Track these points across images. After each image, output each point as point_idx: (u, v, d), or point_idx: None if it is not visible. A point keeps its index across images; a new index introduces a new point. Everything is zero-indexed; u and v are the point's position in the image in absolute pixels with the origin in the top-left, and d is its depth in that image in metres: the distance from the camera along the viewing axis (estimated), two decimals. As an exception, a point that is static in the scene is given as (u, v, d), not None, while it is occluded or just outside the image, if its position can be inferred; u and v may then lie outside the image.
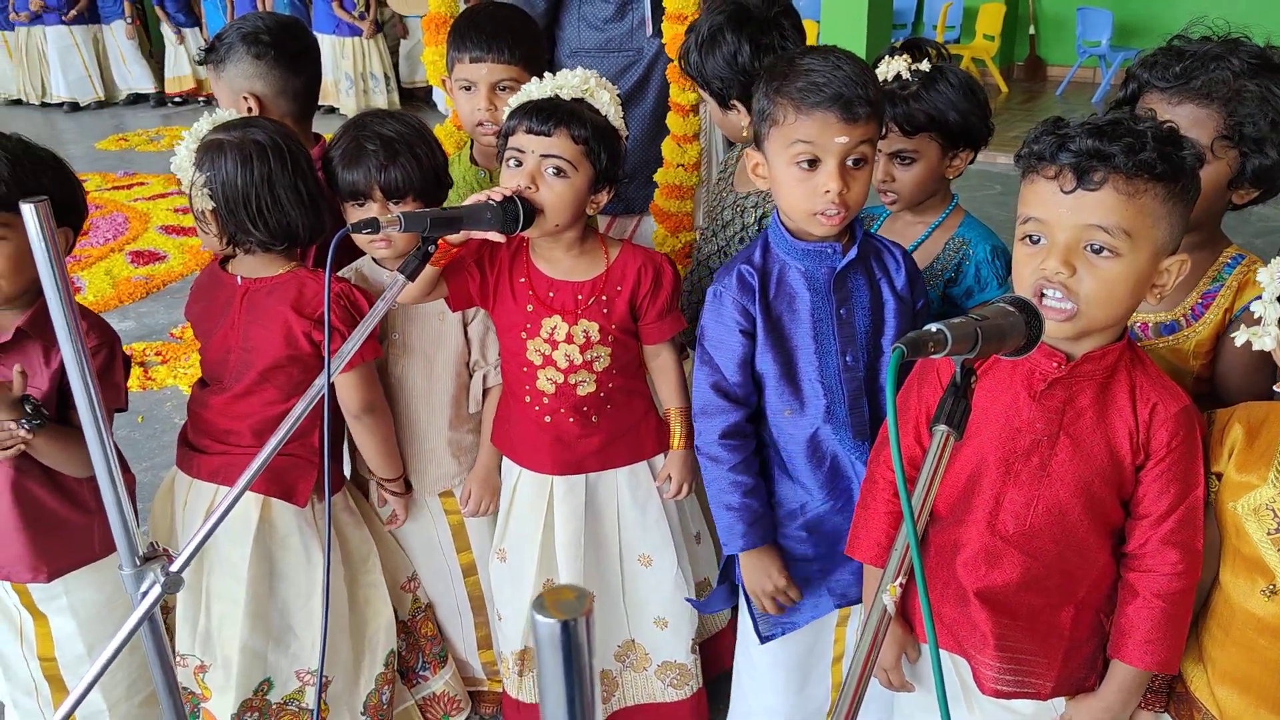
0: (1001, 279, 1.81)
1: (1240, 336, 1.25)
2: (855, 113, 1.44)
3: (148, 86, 9.88)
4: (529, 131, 1.65)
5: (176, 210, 6.10)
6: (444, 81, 2.21)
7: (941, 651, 1.48)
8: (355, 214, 1.82)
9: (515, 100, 1.71)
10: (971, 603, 1.41)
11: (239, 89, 2.14)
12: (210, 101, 9.77)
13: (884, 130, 1.77)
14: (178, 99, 9.81)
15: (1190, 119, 1.47)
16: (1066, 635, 1.39)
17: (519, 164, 1.66)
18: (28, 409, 1.59)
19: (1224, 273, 1.59)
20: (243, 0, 9.06)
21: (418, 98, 9.07)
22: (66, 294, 1.16)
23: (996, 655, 1.40)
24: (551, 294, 1.77)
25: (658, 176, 2.40)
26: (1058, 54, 9.12)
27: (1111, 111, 1.67)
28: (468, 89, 2.06)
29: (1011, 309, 1.08)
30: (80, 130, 8.70)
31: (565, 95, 1.67)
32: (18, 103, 9.93)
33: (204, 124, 1.80)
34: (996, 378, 1.36)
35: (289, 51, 2.15)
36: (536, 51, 2.12)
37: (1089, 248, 1.21)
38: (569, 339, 1.77)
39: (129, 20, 9.49)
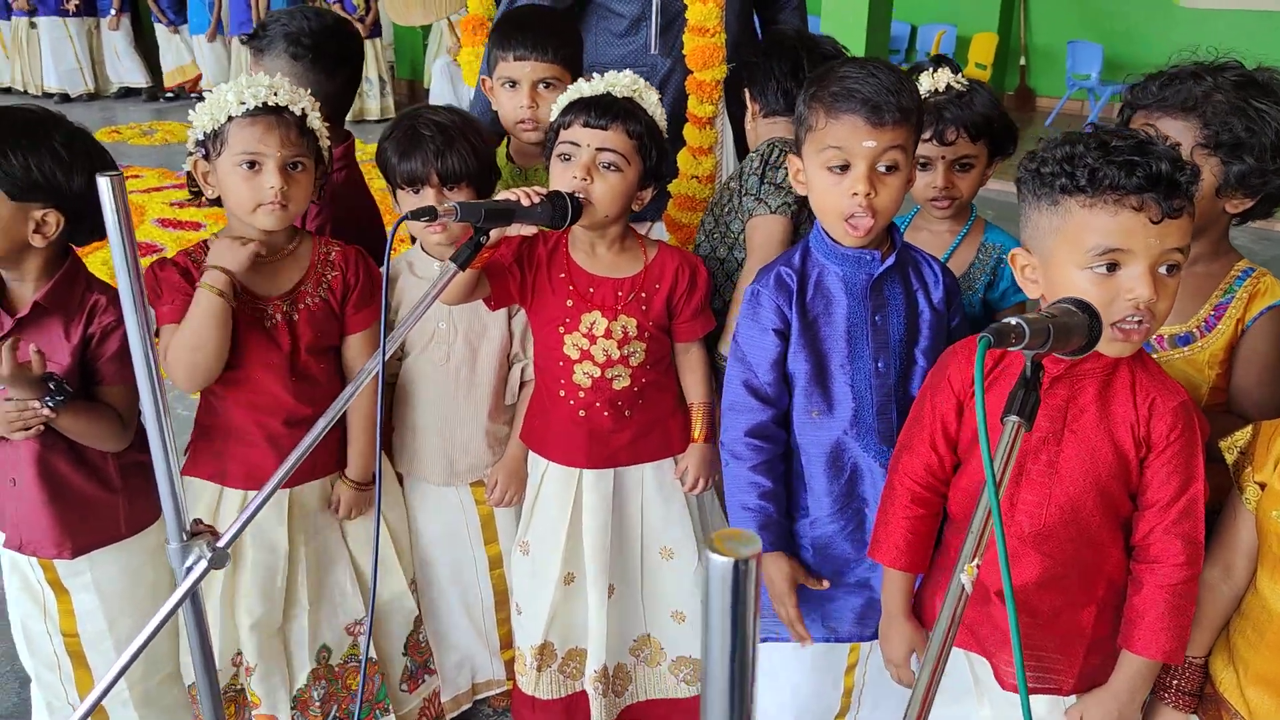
0: None
1: None
2: (883, 117, 1.47)
3: (139, 80, 9.85)
4: (586, 125, 1.69)
5: (172, 204, 6.08)
6: (482, 81, 2.23)
7: (959, 650, 1.52)
8: (410, 201, 1.85)
9: (564, 98, 1.75)
10: (992, 602, 1.45)
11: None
12: (204, 98, 9.76)
13: (953, 137, 1.82)
14: (169, 94, 9.78)
15: (1170, 131, 1.54)
16: (1088, 634, 1.44)
17: (571, 158, 1.69)
18: (50, 385, 1.59)
19: (1235, 285, 1.65)
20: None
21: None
22: (135, 271, 1.17)
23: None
24: (592, 289, 1.81)
25: (672, 187, 2.43)
26: (1047, 85, 9.28)
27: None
28: (511, 86, 2.10)
29: (1075, 309, 1.13)
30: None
31: (618, 93, 1.71)
32: (7, 90, 9.88)
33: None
34: (1007, 382, 1.39)
35: (328, 55, 2.15)
36: (578, 52, 2.17)
37: (1164, 269, 1.24)
38: (608, 334, 1.80)
39: (114, 11, 9.47)
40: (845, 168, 1.50)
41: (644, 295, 1.81)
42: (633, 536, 1.96)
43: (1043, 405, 1.32)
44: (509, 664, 2.18)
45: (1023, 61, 9.36)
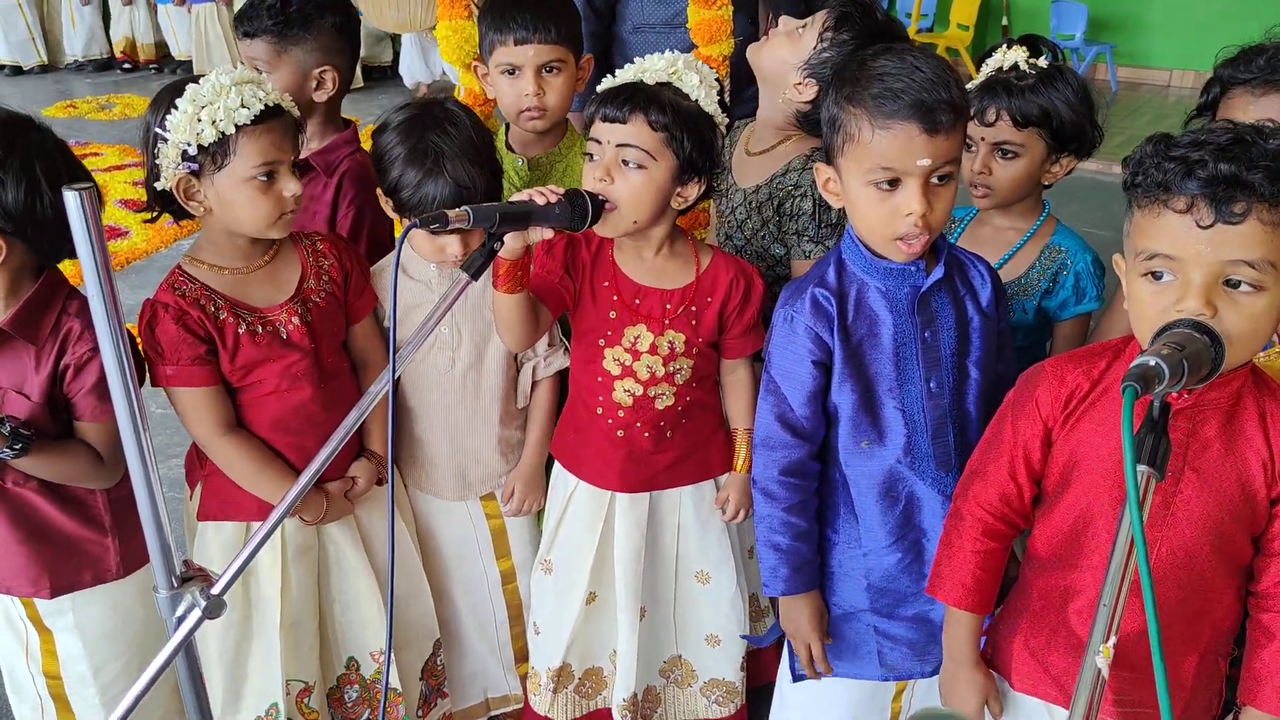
0: (1100, 292, 1.74)
1: None
2: (938, 121, 1.31)
3: (95, 52, 9.47)
4: (604, 119, 1.54)
5: (135, 183, 5.82)
6: (473, 66, 2.06)
7: (1038, 701, 1.40)
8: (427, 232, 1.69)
9: (602, 88, 1.60)
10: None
11: (318, 62, 2.04)
12: (162, 70, 9.45)
13: (994, 118, 1.67)
14: (127, 65, 9.41)
15: (1276, 110, 1.45)
16: (1189, 686, 1.32)
17: (594, 157, 1.54)
18: (5, 431, 1.44)
19: None
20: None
21: (374, 76, 8.81)
22: (112, 297, 1.04)
23: (1114, 711, 1.32)
24: (638, 300, 1.65)
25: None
26: (1030, 46, 9.15)
27: (1195, 119, 1.61)
28: (511, 73, 1.93)
29: (1196, 333, 1.00)
30: (24, 96, 8.30)
31: (649, 80, 1.55)
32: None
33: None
34: (1104, 409, 1.26)
35: (356, 22, 2.08)
36: (577, 29, 1.99)
37: (1228, 283, 1.09)
38: (653, 349, 1.66)
39: None
40: (895, 183, 1.34)
41: (694, 309, 1.66)
42: (667, 559, 1.84)
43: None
44: (524, 678, 2.07)
45: (1005, 21, 9.21)
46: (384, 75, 8.76)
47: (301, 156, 2.00)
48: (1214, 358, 0.99)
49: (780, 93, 1.80)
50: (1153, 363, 0.86)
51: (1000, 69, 1.72)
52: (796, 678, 1.65)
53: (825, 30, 1.73)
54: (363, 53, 8.55)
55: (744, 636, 1.85)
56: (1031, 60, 1.71)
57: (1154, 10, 8.39)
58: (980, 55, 1.81)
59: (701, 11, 2.20)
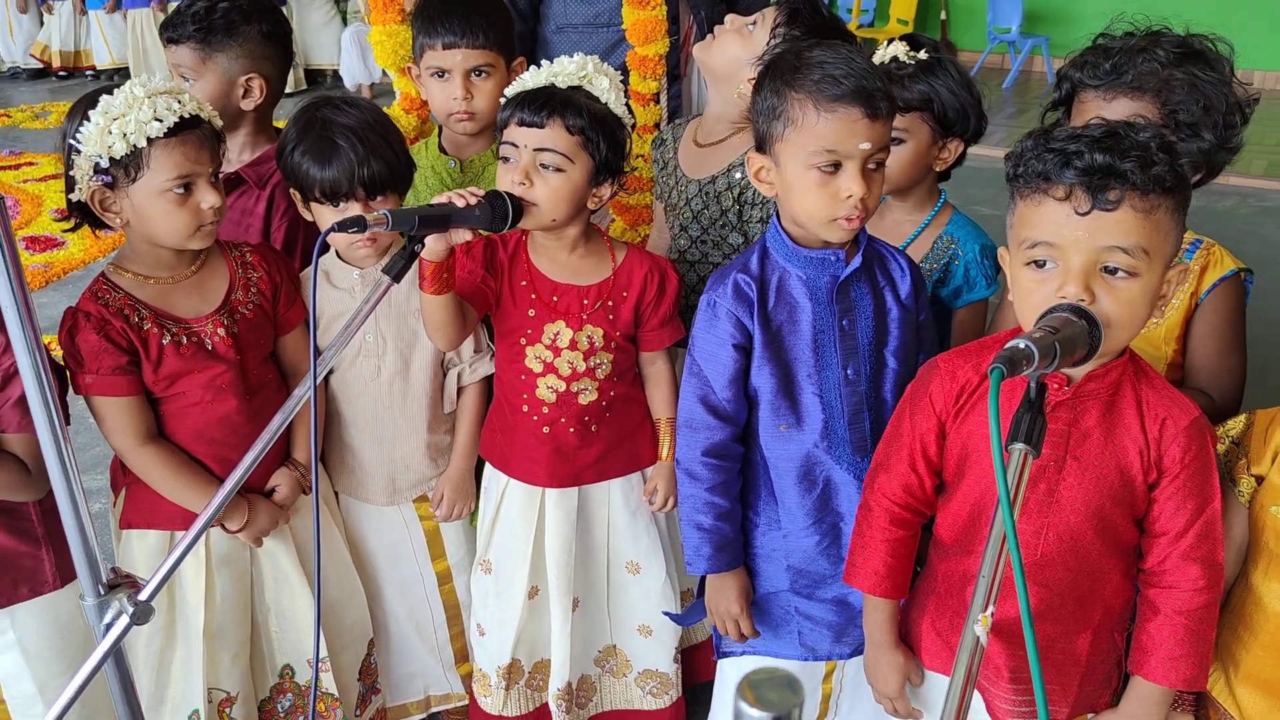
0: (990, 278, 1.80)
1: None
2: (878, 107, 1.37)
3: (33, 60, 9.31)
4: (521, 124, 1.56)
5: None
6: (407, 70, 2.07)
7: (948, 680, 1.45)
8: (330, 214, 1.70)
9: (510, 91, 1.62)
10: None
11: (244, 70, 2.02)
12: (99, 75, 9.28)
13: None
14: (63, 72, 9.25)
15: (1126, 112, 1.50)
16: (1084, 661, 1.37)
17: (511, 160, 1.57)
18: None
19: (1184, 258, 1.60)
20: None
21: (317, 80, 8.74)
22: (27, 308, 1.05)
23: (1011, 687, 1.38)
24: (555, 298, 1.68)
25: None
26: (968, 39, 9.29)
27: (1049, 113, 1.68)
28: (440, 76, 1.95)
29: (1073, 317, 1.05)
30: (-47, 105, 8.13)
31: (561, 83, 1.57)
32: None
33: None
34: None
35: (285, 30, 2.06)
36: (510, 33, 2.02)
37: (1105, 269, 1.15)
38: (572, 345, 1.69)
39: None
40: (836, 167, 1.39)
41: (611, 304, 1.69)
42: (598, 551, 1.86)
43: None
44: (465, 678, 2.09)
45: (943, 15, 9.36)
46: (325, 80, 8.69)
47: (234, 168, 2.00)
48: (1090, 341, 1.04)
49: (734, 88, 1.85)
50: (1022, 345, 0.90)
51: (883, 63, 1.77)
52: (722, 655, 1.70)
53: (777, 26, 1.79)
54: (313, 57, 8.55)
55: (666, 613, 1.88)
56: (912, 53, 1.77)
57: (1087, 3, 8.57)
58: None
59: (636, 12, 2.24)
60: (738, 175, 1.87)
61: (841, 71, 1.36)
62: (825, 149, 1.37)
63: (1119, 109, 1.51)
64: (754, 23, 1.85)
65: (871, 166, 1.40)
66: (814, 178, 1.40)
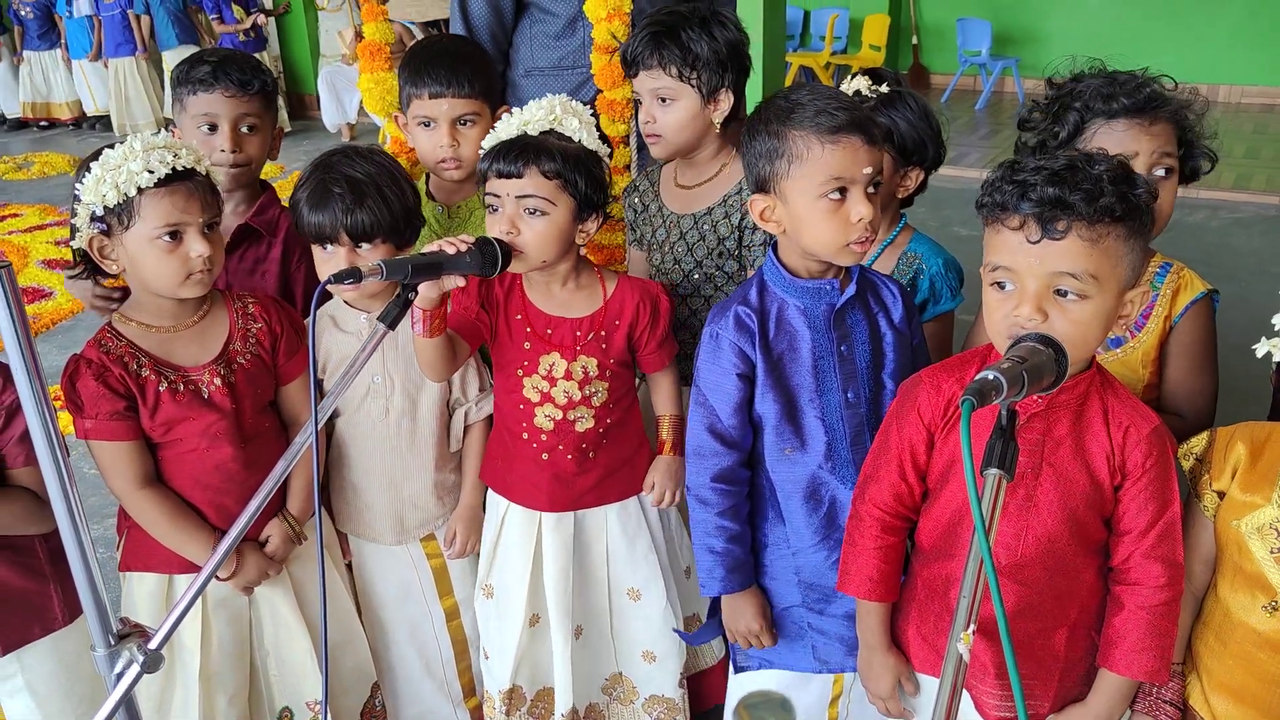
0: (955, 290, 1.87)
1: (1261, 348, 1.31)
2: (873, 134, 1.45)
3: (12, 109, 9.36)
4: (499, 175, 1.63)
5: (57, 243, 5.77)
6: (395, 118, 2.13)
7: (936, 681, 1.50)
8: (321, 257, 1.77)
9: (486, 142, 1.69)
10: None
11: (278, 121, 2.10)
12: (80, 126, 9.33)
13: None
14: (44, 123, 9.30)
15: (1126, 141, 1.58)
16: (1062, 656, 1.43)
17: (496, 209, 1.63)
18: None
19: (1156, 281, 1.67)
20: (110, 21, 8.59)
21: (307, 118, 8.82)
22: (32, 356, 1.08)
23: (997, 684, 1.43)
24: (549, 330, 1.75)
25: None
26: (940, 63, 9.46)
27: (1064, 150, 1.74)
28: (427, 125, 2.00)
29: (1039, 346, 1.11)
30: (-65, 157, 8.16)
31: (533, 130, 1.64)
32: None
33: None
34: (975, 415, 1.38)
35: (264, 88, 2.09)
36: (493, 82, 2.08)
37: (1058, 292, 1.23)
38: (567, 375, 1.75)
39: None
40: (843, 193, 1.45)
41: (603, 333, 1.76)
42: (598, 578, 1.90)
43: (1020, 442, 1.31)
44: (474, 711, 2.12)
45: (915, 40, 9.52)
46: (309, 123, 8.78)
47: (241, 221, 2.02)
48: (1057, 369, 1.10)
49: (704, 149, 1.93)
50: (991, 376, 0.97)
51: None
52: (739, 669, 1.75)
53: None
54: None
55: (676, 630, 1.92)
56: (874, 87, 1.85)
57: (1052, 24, 8.74)
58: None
59: (603, 58, 2.30)
60: (734, 203, 1.92)
61: (834, 105, 1.44)
62: (833, 177, 1.44)
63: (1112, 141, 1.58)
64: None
65: (871, 190, 1.47)
66: (824, 206, 1.45)
